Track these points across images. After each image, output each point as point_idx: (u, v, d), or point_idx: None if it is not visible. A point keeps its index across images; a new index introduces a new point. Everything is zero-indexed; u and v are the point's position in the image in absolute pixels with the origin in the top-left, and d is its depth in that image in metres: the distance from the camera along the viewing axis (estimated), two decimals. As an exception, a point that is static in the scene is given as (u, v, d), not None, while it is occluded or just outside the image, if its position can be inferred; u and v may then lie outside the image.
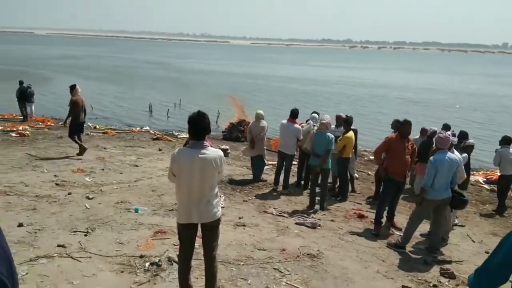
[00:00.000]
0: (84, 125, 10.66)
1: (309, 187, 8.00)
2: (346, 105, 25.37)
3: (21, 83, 16.15)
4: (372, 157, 12.27)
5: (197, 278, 4.49)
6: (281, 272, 4.97)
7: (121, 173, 8.93)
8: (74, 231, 5.66)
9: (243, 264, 5.08)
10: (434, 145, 7.16)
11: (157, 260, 4.87)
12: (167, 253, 5.12)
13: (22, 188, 7.42)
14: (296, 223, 6.73)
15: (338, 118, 8.76)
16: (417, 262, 5.71)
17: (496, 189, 9.04)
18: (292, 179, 9.12)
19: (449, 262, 5.78)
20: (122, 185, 8.07)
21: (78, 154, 10.11)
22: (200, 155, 3.72)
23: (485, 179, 10.93)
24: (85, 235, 5.55)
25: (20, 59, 54.28)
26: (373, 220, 6.83)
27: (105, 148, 11.43)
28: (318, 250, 5.70)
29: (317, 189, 7.80)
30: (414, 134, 8.22)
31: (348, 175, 8.58)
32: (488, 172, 12.03)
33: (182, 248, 4.01)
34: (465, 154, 7.36)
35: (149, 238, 5.62)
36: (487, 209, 8.57)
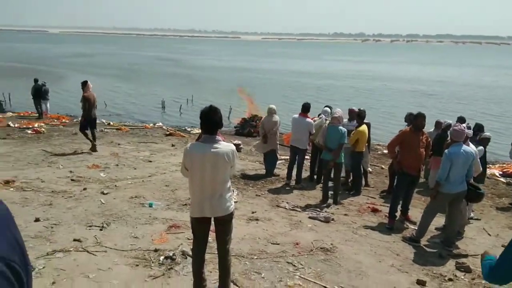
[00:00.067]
0: (97, 121, 10.76)
1: (322, 182, 7.97)
2: (358, 99, 25.16)
3: (36, 81, 16.38)
4: (385, 151, 12.18)
5: (210, 272, 4.51)
6: (294, 266, 4.97)
7: (135, 169, 9.02)
8: (90, 226, 5.74)
9: (256, 258, 5.09)
10: (449, 138, 7.08)
11: (171, 254, 4.91)
12: (181, 247, 5.16)
13: (38, 184, 7.54)
14: (309, 217, 6.72)
15: (351, 112, 8.70)
16: (432, 256, 5.66)
17: (512, 182, 8.91)
18: (305, 174, 9.10)
19: (465, 255, 5.72)
20: (136, 180, 8.15)
21: (91, 149, 10.27)
22: (212, 150, 3.73)
23: (501, 172, 10.77)
24: (101, 230, 5.63)
25: (34, 57, 55.00)
26: (387, 214, 6.78)
27: (119, 144, 11.55)
28: (331, 244, 5.68)
29: (330, 183, 7.77)
30: (429, 127, 8.12)
31: (362, 169, 8.53)
32: (504, 165, 11.85)
33: (195, 242, 4.04)
34: (481, 147, 7.26)
35: (163, 232, 5.67)
36: (503, 202, 8.44)
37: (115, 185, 7.73)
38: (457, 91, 32.31)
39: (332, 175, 7.76)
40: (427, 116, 6.71)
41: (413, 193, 7.12)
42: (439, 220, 6.44)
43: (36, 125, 13.73)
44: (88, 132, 10.38)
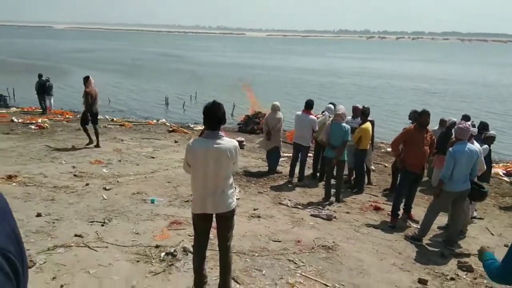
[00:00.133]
0: (99, 117, 10.80)
1: (324, 179, 7.94)
2: (361, 97, 25.07)
3: (40, 76, 16.39)
4: (389, 149, 12.14)
5: (211, 269, 4.50)
6: (295, 263, 4.95)
7: (137, 165, 9.02)
8: (91, 221, 5.74)
9: (257, 255, 5.08)
10: (453, 136, 7.03)
11: (172, 250, 4.90)
12: (182, 243, 5.15)
13: (41, 179, 7.56)
14: (311, 215, 6.70)
15: (355, 109, 8.65)
16: (434, 255, 5.62)
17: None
18: (308, 171, 9.07)
19: (467, 255, 5.68)
20: (138, 177, 8.15)
21: (87, 145, 10.40)
22: (215, 145, 3.71)
23: (505, 172, 10.70)
24: (102, 225, 5.63)
25: (39, 53, 55.18)
26: (389, 213, 6.75)
27: (122, 140, 11.56)
28: (333, 242, 5.66)
29: (333, 181, 7.74)
30: (433, 125, 8.07)
31: (365, 167, 8.50)
32: (508, 164, 11.78)
33: (196, 238, 4.03)
34: (485, 146, 7.21)
35: (164, 228, 5.67)
36: (506, 201, 8.39)
37: (118, 181, 7.74)
38: (461, 89, 32.15)
39: (334, 173, 7.72)
40: (431, 114, 6.65)
41: (416, 191, 7.07)
42: (441, 219, 6.41)
43: (39, 120, 13.75)
44: (89, 127, 10.41)
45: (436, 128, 8.81)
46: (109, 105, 20.76)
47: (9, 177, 7.43)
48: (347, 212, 7.03)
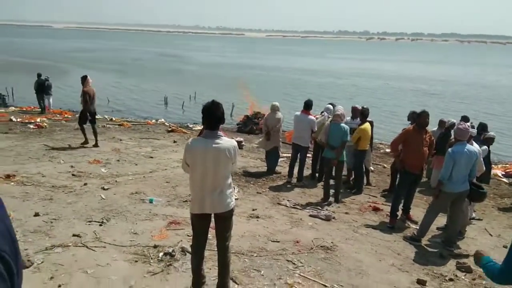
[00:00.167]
0: (98, 116, 10.81)
1: (323, 180, 7.93)
2: (361, 98, 25.07)
3: (39, 75, 16.37)
4: (388, 150, 12.14)
5: (210, 269, 4.49)
6: (294, 264, 4.94)
7: (136, 165, 9.00)
8: (89, 221, 5.72)
9: (256, 256, 5.07)
10: (452, 137, 7.03)
11: (170, 251, 4.88)
12: (181, 243, 5.14)
13: (39, 178, 7.53)
14: (310, 215, 6.69)
15: (354, 109, 8.64)
16: (433, 256, 5.62)
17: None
18: (306, 172, 9.06)
19: (466, 256, 5.67)
20: (137, 176, 8.13)
21: (82, 144, 10.42)
22: (213, 145, 3.69)
23: (504, 173, 10.70)
24: (100, 225, 5.61)
25: (38, 52, 55.12)
26: (388, 213, 6.74)
27: (120, 140, 11.54)
28: (332, 242, 5.65)
29: (331, 182, 7.73)
30: (432, 126, 8.07)
31: (364, 167, 8.49)
32: (507, 165, 11.78)
33: (195, 238, 4.01)
34: (484, 147, 7.21)
35: (163, 228, 5.65)
36: (505, 202, 8.38)
37: (116, 181, 7.72)
38: (460, 90, 32.19)
39: (333, 173, 7.71)
40: (430, 115, 6.64)
41: (415, 192, 7.07)
42: (440, 220, 6.40)
43: (38, 120, 13.73)
44: (88, 127, 10.42)
45: (435, 129, 8.81)
46: (108, 105, 20.75)
47: (7, 176, 7.40)
48: (346, 213, 7.02)
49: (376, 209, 7.25)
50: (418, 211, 7.15)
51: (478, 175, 6.26)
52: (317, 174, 8.96)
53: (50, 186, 7.14)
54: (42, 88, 16.16)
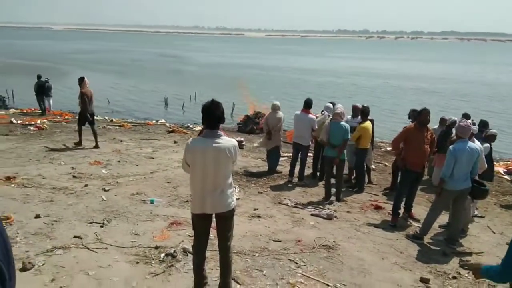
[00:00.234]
0: (97, 117, 10.83)
1: (324, 179, 7.90)
2: (361, 96, 25.05)
3: (39, 77, 16.34)
4: (389, 148, 12.11)
5: (211, 269, 4.47)
6: (296, 263, 4.92)
7: (137, 165, 8.99)
8: (90, 223, 5.71)
9: (258, 255, 5.05)
10: (453, 134, 7.01)
11: (172, 251, 4.87)
12: (182, 244, 5.12)
13: (39, 180, 7.52)
14: (312, 215, 6.67)
15: (355, 108, 8.61)
16: (435, 254, 5.59)
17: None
18: (307, 171, 9.03)
19: (469, 253, 5.65)
20: (138, 177, 8.11)
21: (75, 143, 10.47)
22: (214, 144, 3.67)
23: (506, 170, 10.67)
24: (101, 226, 5.59)
25: (38, 54, 55.12)
26: (390, 212, 6.72)
27: (121, 141, 11.53)
28: (334, 241, 5.63)
29: (333, 180, 7.70)
30: (433, 124, 8.04)
31: (365, 166, 8.46)
32: (508, 162, 11.75)
33: (196, 239, 3.99)
34: (486, 144, 7.18)
35: (164, 229, 5.63)
36: (507, 200, 8.36)
37: (117, 182, 7.70)
38: (460, 88, 32.16)
39: (334, 172, 7.69)
40: (431, 113, 6.61)
41: (417, 190, 7.04)
42: (443, 218, 6.37)
43: (38, 121, 13.71)
44: (87, 129, 10.44)
45: (436, 127, 8.78)
46: (108, 106, 20.74)
47: (8, 178, 7.39)
48: (348, 212, 7.00)
49: (378, 208, 7.23)
50: (420, 209, 7.13)
51: (480, 172, 6.24)
52: (318, 173, 8.94)
53: (51, 187, 7.13)
54: (42, 90, 16.13)
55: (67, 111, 17.59)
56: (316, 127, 8.35)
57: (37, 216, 5.76)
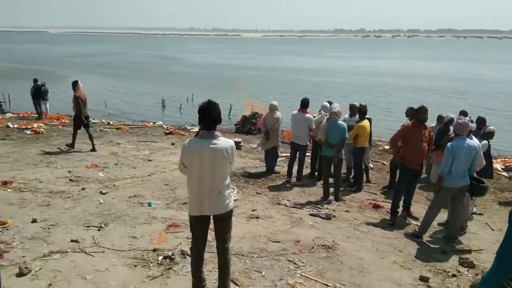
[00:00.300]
0: (91, 120, 10.85)
1: (323, 178, 7.87)
2: (358, 95, 25.06)
3: (35, 81, 16.30)
4: (386, 147, 12.10)
5: (210, 271, 4.44)
6: (295, 264, 4.89)
7: (134, 168, 8.95)
8: (88, 226, 5.67)
9: (256, 257, 5.02)
10: (450, 132, 6.99)
11: (170, 254, 4.83)
12: (180, 246, 5.09)
13: (36, 184, 7.48)
14: (310, 215, 6.64)
15: (352, 107, 8.60)
16: (435, 252, 5.57)
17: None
18: (305, 171, 9.01)
19: (468, 251, 5.64)
20: (135, 180, 8.08)
21: (67, 145, 10.49)
22: (211, 145, 3.64)
23: (504, 167, 10.67)
24: (99, 230, 5.55)
25: (35, 58, 55.02)
26: (389, 210, 6.70)
27: (118, 144, 11.49)
28: (333, 241, 5.60)
29: (331, 180, 7.68)
30: (430, 122, 8.03)
31: (363, 165, 8.44)
32: (506, 159, 11.75)
33: (194, 241, 3.95)
34: (485, 141, 7.17)
35: (162, 231, 5.60)
36: (506, 196, 8.35)
37: (114, 185, 7.66)
38: (457, 86, 32.20)
39: (332, 171, 7.67)
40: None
41: (415, 188, 7.02)
42: (441, 216, 6.34)
43: (35, 125, 13.66)
44: (82, 131, 10.43)
45: (433, 124, 8.77)
46: (105, 109, 20.71)
47: (4, 183, 7.34)
48: (347, 211, 6.98)
49: (376, 207, 7.21)
50: (418, 207, 7.11)
51: (478, 169, 6.22)
52: (316, 173, 8.92)
53: (48, 191, 7.09)
54: (39, 94, 16.10)
55: (64, 115, 17.53)
56: (314, 126, 8.33)
57: (34, 221, 5.71)
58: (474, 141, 5.74)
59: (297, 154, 8.56)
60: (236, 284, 4.32)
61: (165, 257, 4.78)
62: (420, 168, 6.62)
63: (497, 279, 2.36)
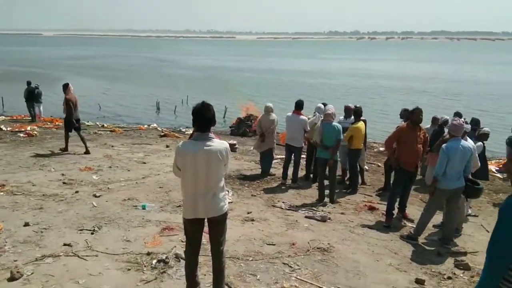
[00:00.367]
0: (87, 122, 10.79)
1: (318, 180, 7.85)
2: (353, 97, 25.06)
3: (29, 83, 16.19)
4: (381, 149, 12.11)
5: (204, 275, 4.40)
6: (290, 267, 4.86)
7: (128, 171, 8.89)
8: (81, 230, 5.61)
9: (251, 260, 4.98)
10: (445, 133, 7.00)
11: (164, 257, 4.78)
12: (175, 249, 5.04)
13: (29, 187, 7.41)
14: (306, 217, 6.62)
15: (347, 109, 8.60)
16: (430, 254, 5.56)
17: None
18: (301, 173, 8.98)
19: (464, 253, 5.63)
20: (129, 182, 8.02)
21: (61, 149, 10.40)
22: (205, 147, 3.61)
23: (498, 168, 10.70)
24: (92, 233, 5.50)
25: (28, 60, 54.71)
26: (384, 212, 6.69)
27: (112, 146, 11.42)
28: (328, 243, 5.58)
29: (326, 182, 7.66)
30: (425, 123, 8.03)
31: (358, 167, 8.43)
32: (500, 160, 11.79)
33: (188, 244, 3.91)
34: (479, 143, 7.19)
35: (156, 235, 5.55)
36: (500, 198, 8.36)
37: (108, 188, 7.60)
38: (450, 87, 32.32)
39: (327, 173, 7.64)
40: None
41: (411, 190, 7.01)
42: (437, 218, 6.34)
43: (28, 128, 13.56)
44: (74, 134, 10.36)
45: (428, 126, 8.78)
46: (100, 111, 20.61)
47: (-3, 186, 7.27)
48: (342, 213, 6.96)
49: (371, 209, 7.20)
50: (413, 209, 7.11)
51: (473, 171, 6.22)
52: (311, 175, 8.89)
53: (41, 195, 7.02)
54: (32, 96, 15.98)
55: (58, 118, 17.40)
56: (308, 128, 8.32)
57: (26, 224, 5.65)
58: (468, 143, 5.74)
59: (292, 156, 8.55)
60: (231, 288, 4.28)
61: (159, 261, 4.74)
62: (415, 170, 6.62)
63: (493, 282, 2.34)
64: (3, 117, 16.96)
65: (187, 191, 3.75)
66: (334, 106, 7.88)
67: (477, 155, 6.39)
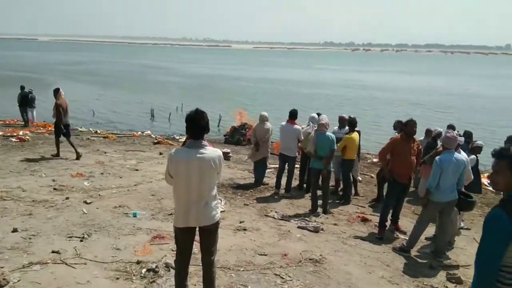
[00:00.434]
0: (70, 127, 10.80)
1: (311, 190, 7.81)
2: (346, 108, 25.15)
3: (22, 88, 16.11)
4: (375, 160, 12.12)
5: (195, 285, 4.33)
6: (282, 278, 4.80)
7: (120, 177, 8.81)
8: (70, 237, 5.52)
9: (243, 270, 4.92)
10: (438, 146, 7.01)
11: (154, 266, 4.71)
12: (165, 258, 4.97)
13: (19, 193, 7.30)
14: (298, 227, 6.57)
15: (341, 119, 8.61)
16: (422, 267, 5.53)
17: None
18: (294, 182, 8.94)
19: (456, 266, 5.60)
20: (121, 190, 7.94)
21: (52, 155, 10.34)
22: (198, 155, 3.57)
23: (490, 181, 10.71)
24: (81, 241, 5.41)
25: (23, 65, 54.47)
26: (377, 224, 6.66)
27: (105, 153, 11.33)
28: (320, 254, 5.53)
29: (319, 192, 7.62)
30: (418, 136, 8.04)
31: (351, 177, 8.41)
32: (493, 174, 11.80)
33: (179, 253, 3.86)
34: (473, 156, 7.20)
35: (146, 243, 5.47)
36: (493, 211, 8.35)
37: (99, 194, 7.52)
38: (443, 100, 32.54)
39: (320, 184, 7.61)
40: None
41: (404, 202, 6.99)
42: (429, 230, 6.32)
43: (21, 133, 13.44)
44: (63, 139, 10.31)
45: (422, 138, 8.79)
46: (93, 118, 20.51)
47: (-14, 191, 7.16)
48: (335, 224, 6.92)
49: (364, 220, 7.16)
50: (406, 221, 7.09)
51: (466, 184, 6.22)
52: (304, 185, 8.86)
53: (30, 200, 6.92)
54: (26, 101, 15.90)
55: (50, 123, 17.26)
56: (302, 137, 8.30)
57: (15, 230, 5.56)
58: (462, 155, 5.75)
59: (286, 165, 8.52)
60: (221, 299, 4.22)
61: (148, 270, 4.66)
62: (408, 182, 6.61)
63: None
64: (-4, 121, 16.82)
65: (179, 199, 3.70)
66: (328, 116, 7.88)
67: (470, 168, 6.40)
